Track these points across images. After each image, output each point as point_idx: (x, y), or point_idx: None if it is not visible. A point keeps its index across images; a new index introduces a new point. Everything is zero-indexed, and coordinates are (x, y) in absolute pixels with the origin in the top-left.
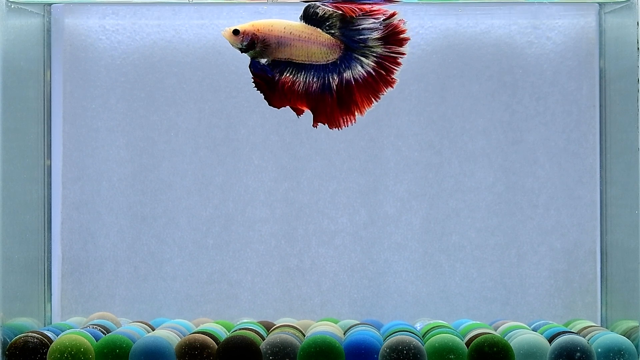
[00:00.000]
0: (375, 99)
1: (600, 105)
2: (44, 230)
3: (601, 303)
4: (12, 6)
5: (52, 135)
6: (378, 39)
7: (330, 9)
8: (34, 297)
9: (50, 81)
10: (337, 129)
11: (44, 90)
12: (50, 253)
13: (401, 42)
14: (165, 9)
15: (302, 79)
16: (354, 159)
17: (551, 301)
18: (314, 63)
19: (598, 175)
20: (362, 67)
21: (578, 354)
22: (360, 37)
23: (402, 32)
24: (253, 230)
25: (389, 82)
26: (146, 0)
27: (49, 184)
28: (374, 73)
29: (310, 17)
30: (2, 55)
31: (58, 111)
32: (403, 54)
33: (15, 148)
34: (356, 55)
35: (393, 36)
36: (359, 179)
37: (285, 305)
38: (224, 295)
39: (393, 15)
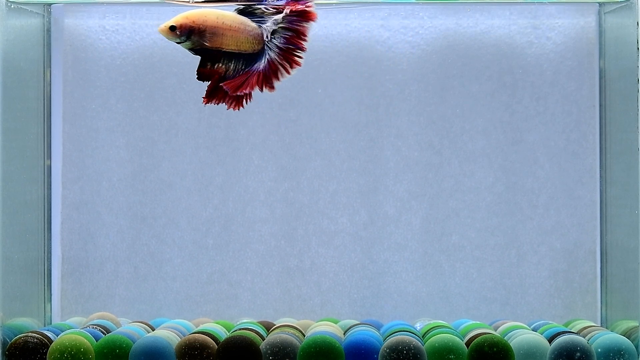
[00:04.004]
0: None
1: (600, 105)
2: (44, 230)
3: (601, 303)
4: (12, 6)
5: (52, 135)
6: (278, 43)
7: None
8: (34, 297)
9: (50, 81)
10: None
11: (44, 90)
12: (50, 253)
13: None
14: (165, 9)
15: (232, 67)
16: (354, 159)
17: (551, 301)
18: (242, 52)
19: (598, 175)
20: (264, 60)
21: (578, 354)
22: (270, 33)
23: (301, 48)
24: (253, 230)
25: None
26: (146, 0)
27: (49, 184)
28: (269, 67)
29: (244, 12)
30: (2, 55)
31: (58, 111)
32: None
33: (15, 148)
34: (267, 47)
35: (291, 47)
36: (359, 179)
37: (285, 305)
38: (224, 295)
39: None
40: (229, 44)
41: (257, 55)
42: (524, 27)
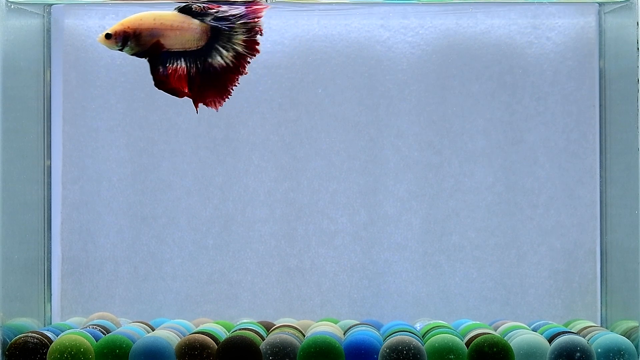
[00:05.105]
0: (229, 91)
1: (600, 105)
2: (44, 230)
3: (601, 303)
4: (12, 6)
5: (52, 135)
6: (240, 39)
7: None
8: (34, 297)
9: (50, 81)
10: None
11: (44, 90)
12: (50, 253)
13: (253, 44)
14: (165, 10)
15: (182, 65)
16: (354, 159)
17: (551, 301)
18: (188, 50)
19: (598, 175)
20: (222, 58)
21: (578, 354)
22: (226, 30)
23: (258, 31)
24: (253, 230)
25: (240, 73)
26: (146, 0)
27: (49, 184)
28: (231, 65)
29: (184, 10)
30: (2, 55)
31: (58, 111)
32: (252, 54)
33: (15, 148)
34: (217, 46)
35: (250, 38)
36: (359, 179)
37: (285, 305)
38: (224, 295)
39: (256, 16)
40: (174, 44)
41: (202, 50)
42: (524, 27)
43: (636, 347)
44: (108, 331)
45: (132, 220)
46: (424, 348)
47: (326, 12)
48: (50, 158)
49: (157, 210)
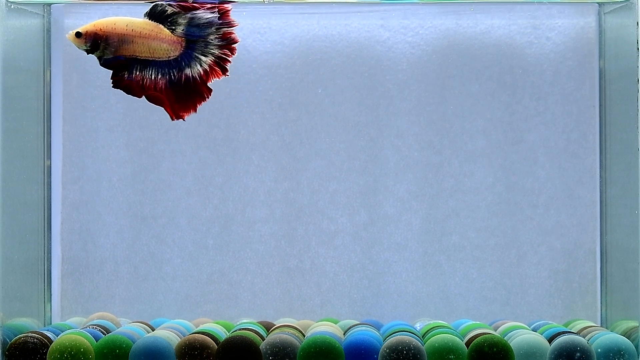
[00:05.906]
0: (207, 95)
1: (600, 105)
2: (44, 230)
3: (601, 303)
4: (12, 6)
5: (52, 135)
6: (216, 43)
7: (176, 9)
8: (34, 297)
9: (50, 81)
10: (180, 119)
11: (44, 90)
12: (50, 253)
13: (231, 46)
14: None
15: (149, 75)
16: (354, 159)
17: (551, 301)
18: (157, 59)
19: (598, 175)
20: (201, 65)
21: (578, 354)
22: (202, 37)
23: (232, 35)
24: (253, 231)
25: (218, 73)
26: (146, 0)
27: (49, 184)
28: (209, 70)
29: (155, 14)
30: (2, 55)
31: (58, 111)
32: (229, 57)
33: (15, 148)
34: (196, 54)
35: (225, 39)
36: (359, 179)
37: (285, 305)
38: (224, 296)
39: (226, 16)
40: (142, 52)
41: (174, 61)
42: (524, 27)
43: (636, 347)
44: (108, 331)
45: (132, 220)
46: (424, 348)
47: (326, 12)
48: (50, 158)
49: (157, 210)
